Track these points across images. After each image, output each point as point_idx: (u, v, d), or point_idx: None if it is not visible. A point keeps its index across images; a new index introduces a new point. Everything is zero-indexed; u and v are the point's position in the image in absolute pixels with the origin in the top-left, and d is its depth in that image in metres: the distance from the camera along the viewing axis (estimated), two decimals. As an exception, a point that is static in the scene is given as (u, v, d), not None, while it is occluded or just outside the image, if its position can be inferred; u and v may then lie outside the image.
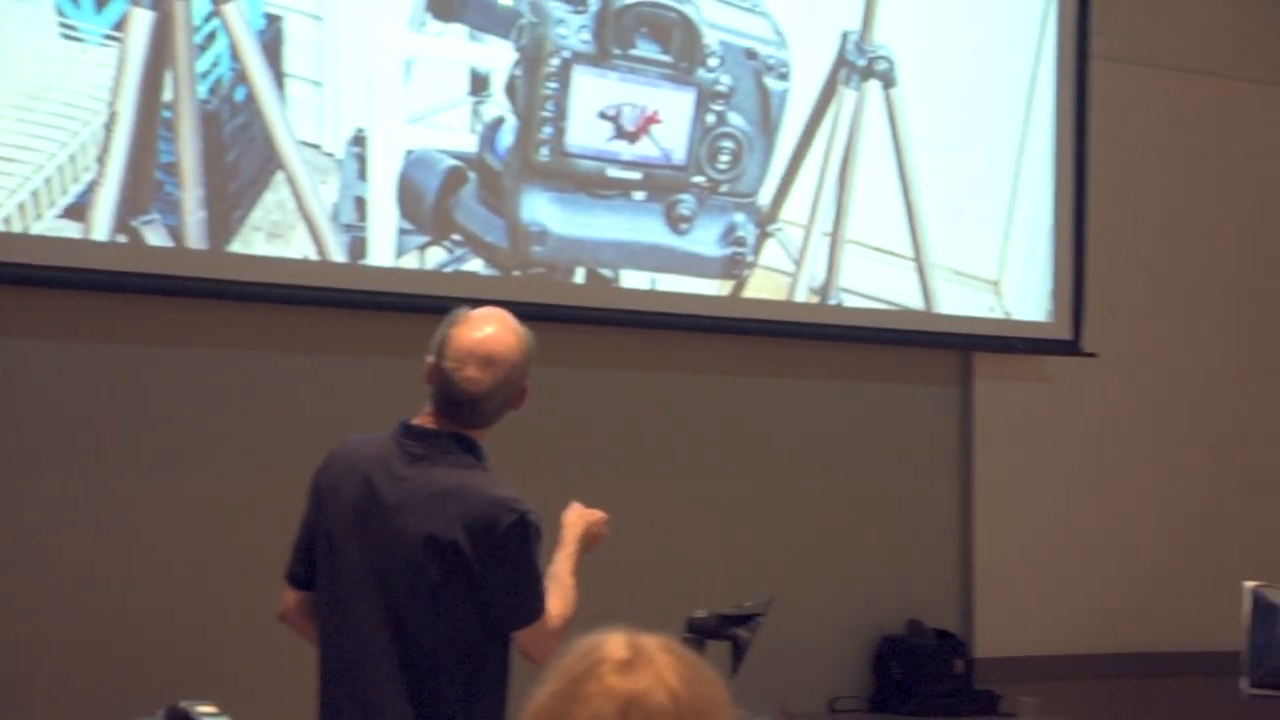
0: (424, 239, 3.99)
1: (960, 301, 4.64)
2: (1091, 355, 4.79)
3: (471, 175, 4.03)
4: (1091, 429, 4.93)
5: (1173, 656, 4.95)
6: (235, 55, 3.78)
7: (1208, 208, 5.18)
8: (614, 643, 1.21)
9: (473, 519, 2.60)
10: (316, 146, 3.87)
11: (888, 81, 4.54)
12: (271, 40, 3.83)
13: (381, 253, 3.95)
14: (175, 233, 3.71)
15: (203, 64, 3.75)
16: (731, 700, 1.23)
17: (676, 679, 1.20)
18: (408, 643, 2.59)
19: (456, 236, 4.02)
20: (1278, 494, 5.20)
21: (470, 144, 4.03)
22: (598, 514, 2.90)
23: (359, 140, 3.92)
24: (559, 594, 2.72)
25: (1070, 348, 4.78)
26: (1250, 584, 3.29)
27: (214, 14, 3.75)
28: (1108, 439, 4.96)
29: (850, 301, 4.50)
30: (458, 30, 4.03)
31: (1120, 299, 4.98)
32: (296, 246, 3.85)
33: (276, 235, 3.84)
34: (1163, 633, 4.97)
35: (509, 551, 2.61)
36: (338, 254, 3.90)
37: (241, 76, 3.79)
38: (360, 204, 3.92)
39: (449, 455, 2.67)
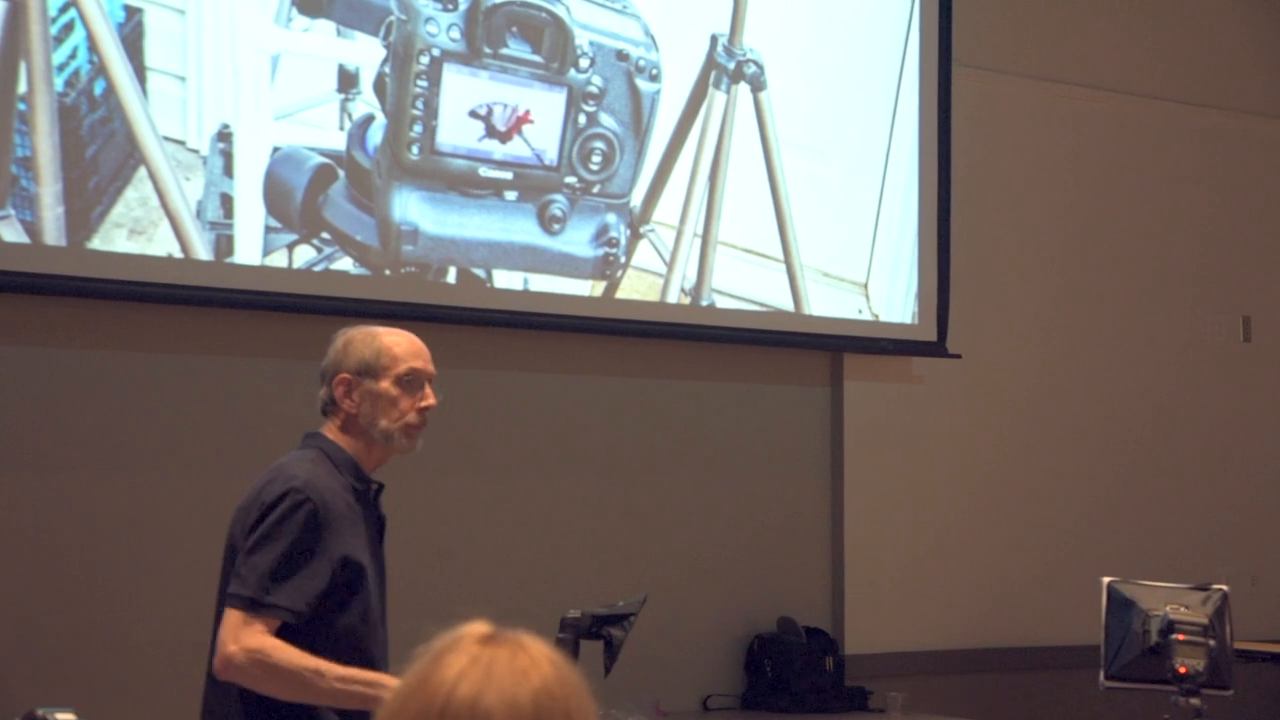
0: (292, 237, 3.81)
1: (829, 303, 4.58)
2: (956, 356, 4.77)
3: (341, 173, 3.86)
4: (957, 429, 4.91)
5: (1035, 651, 4.94)
6: (93, 48, 3.58)
7: (1068, 213, 5.19)
8: (476, 624, 1.20)
9: None
10: (180, 142, 3.68)
11: (757, 85, 4.46)
12: (132, 33, 3.63)
13: (248, 251, 3.76)
14: (31, 229, 3.50)
15: (59, 56, 3.54)
16: (593, 696, 1.19)
17: (542, 654, 1.19)
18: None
19: (326, 235, 3.85)
20: (1135, 491, 5.22)
21: (339, 141, 3.86)
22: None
23: (224, 136, 3.73)
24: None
25: (935, 349, 4.75)
26: (1107, 580, 3.28)
27: (70, 4, 3.54)
28: (972, 438, 4.94)
29: (722, 303, 4.41)
30: (325, 26, 3.86)
31: (983, 302, 4.96)
32: (160, 244, 3.66)
33: (139, 232, 3.64)
34: (1025, 628, 4.95)
35: None
36: (202, 252, 3.70)
37: (100, 69, 3.59)
38: (226, 201, 3.73)
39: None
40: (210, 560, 3.70)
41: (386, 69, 3.90)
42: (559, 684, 1.17)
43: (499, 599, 3.86)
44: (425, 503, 4.03)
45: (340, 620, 2.40)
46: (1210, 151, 5.46)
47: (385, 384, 2.50)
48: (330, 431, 2.54)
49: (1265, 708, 4.80)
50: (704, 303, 4.38)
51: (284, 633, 2.34)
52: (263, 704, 2.37)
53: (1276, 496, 5.52)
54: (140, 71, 3.63)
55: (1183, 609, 3.07)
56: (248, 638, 2.33)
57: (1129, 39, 5.32)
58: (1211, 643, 2.99)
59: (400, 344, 2.55)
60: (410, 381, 2.52)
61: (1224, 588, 3.22)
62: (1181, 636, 2.97)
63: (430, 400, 2.53)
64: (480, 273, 4.05)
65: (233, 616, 2.35)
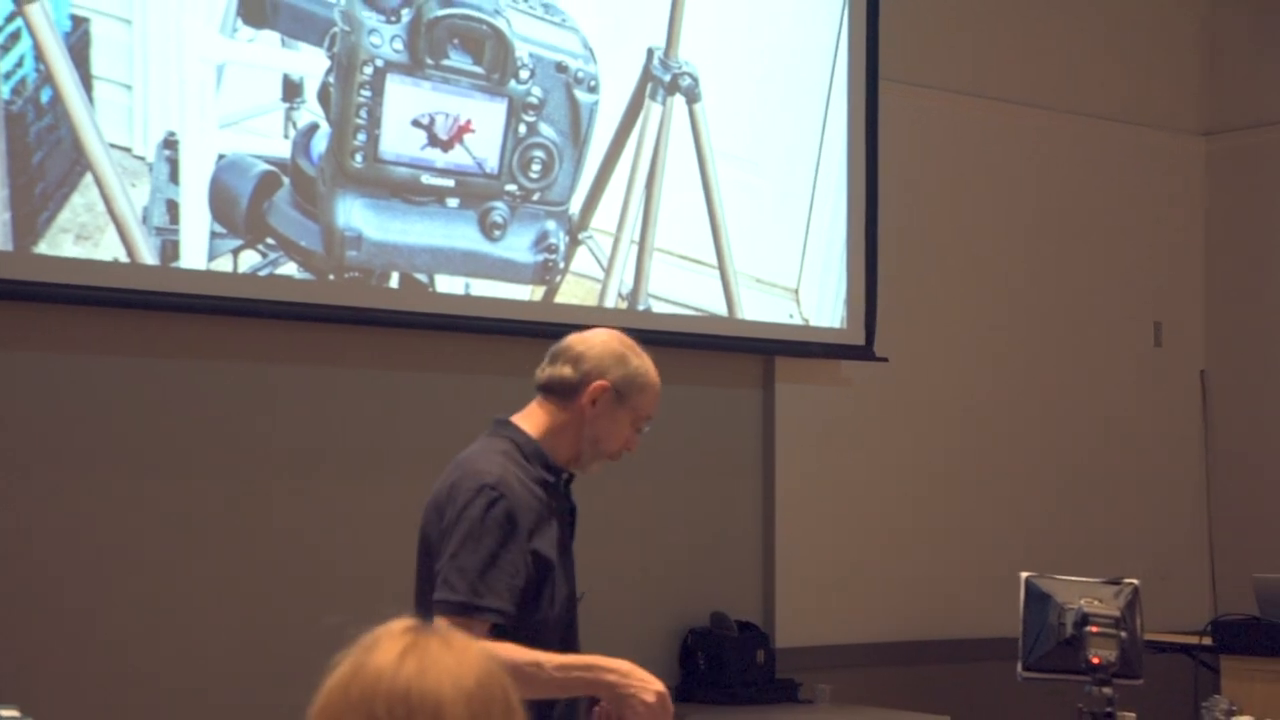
0: (237, 242, 3.81)
1: (762, 308, 4.64)
2: (882, 360, 4.84)
3: (285, 180, 3.86)
4: (883, 429, 4.98)
5: (956, 643, 5.02)
6: (40, 56, 3.56)
7: (989, 222, 5.29)
8: (399, 620, 1.21)
9: None
10: (126, 149, 3.67)
11: (692, 97, 4.51)
12: (79, 42, 3.62)
13: (193, 256, 3.76)
14: (-23, 234, 3.48)
15: (6, 64, 3.52)
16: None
17: (469, 642, 1.20)
18: None
19: (270, 241, 3.86)
20: (1052, 490, 5.33)
21: (284, 149, 3.87)
22: (650, 684, 2.30)
23: (170, 143, 3.72)
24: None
25: (863, 353, 4.82)
26: (1025, 575, 3.35)
27: (16, 14, 3.52)
28: (898, 439, 5.01)
29: (658, 307, 4.46)
30: (270, 37, 3.86)
31: (909, 307, 5.04)
32: (106, 249, 3.65)
33: (85, 237, 3.63)
34: (947, 622, 5.04)
35: None
36: (148, 256, 3.70)
37: (47, 78, 3.57)
38: (172, 207, 3.73)
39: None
40: (151, 559, 3.71)
41: (330, 79, 3.91)
42: (494, 666, 1.19)
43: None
44: (368, 505, 4.05)
45: (537, 614, 2.36)
46: (1124, 165, 5.58)
47: (626, 413, 2.45)
48: (527, 419, 2.46)
49: (1172, 696, 4.92)
50: (641, 307, 4.43)
51: (492, 632, 2.30)
52: None
53: (1185, 495, 5.65)
54: (87, 80, 3.63)
55: (1096, 602, 3.12)
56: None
57: (1047, 56, 5.43)
58: (1123, 634, 3.04)
59: (655, 385, 2.50)
60: (641, 421, 2.48)
61: (1135, 582, 3.28)
62: (1095, 629, 3.02)
63: (635, 446, 2.49)
64: (422, 278, 4.07)
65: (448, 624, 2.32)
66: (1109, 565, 4.09)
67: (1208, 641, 4.57)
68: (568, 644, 2.41)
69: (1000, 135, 5.29)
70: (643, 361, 2.49)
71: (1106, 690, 2.92)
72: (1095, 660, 2.95)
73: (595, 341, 2.48)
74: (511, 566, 2.32)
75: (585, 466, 2.48)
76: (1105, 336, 5.50)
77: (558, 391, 2.44)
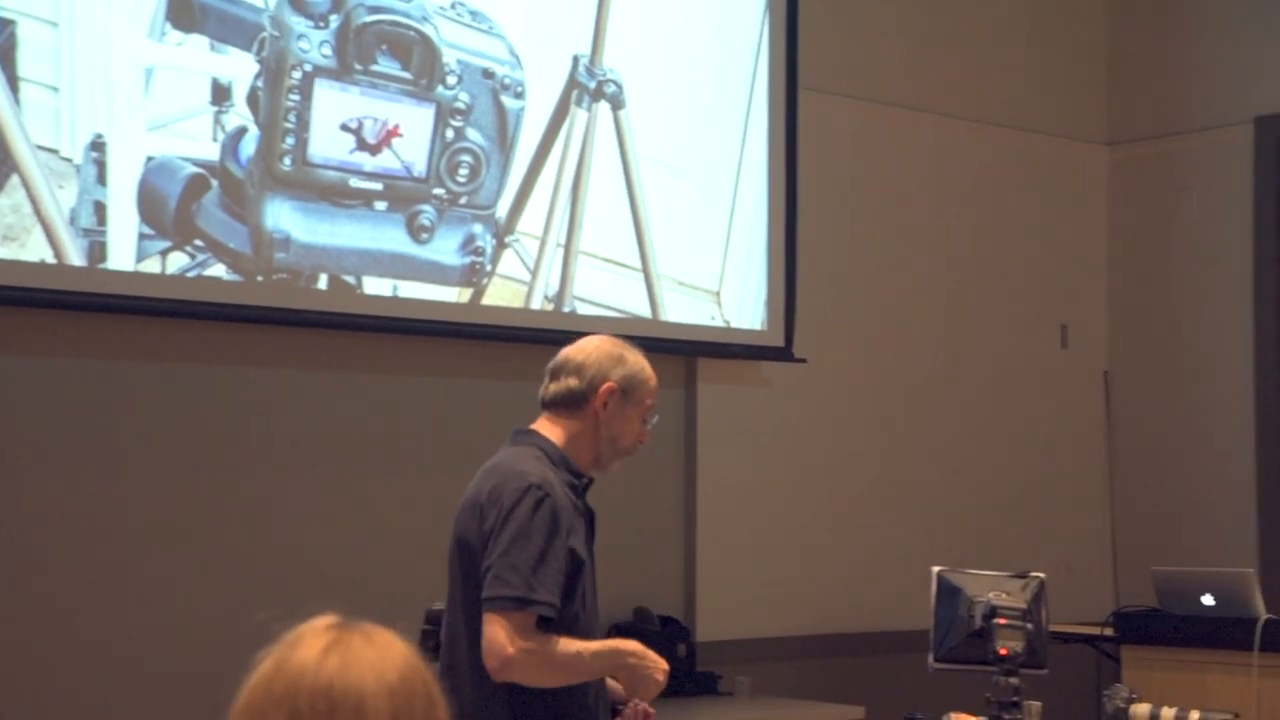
0: (166, 244, 3.79)
1: (684, 310, 4.69)
2: (801, 361, 4.91)
3: (214, 183, 3.85)
4: (801, 429, 5.05)
5: (871, 636, 5.09)
6: (-34, 57, 3.53)
7: (904, 227, 5.37)
8: (324, 616, 1.21)
9: None
10: (54, 151, 3.64)
11: (616, 104, 4.55)
12: (5, 44, 3.58)
13: (121, 257, 3.73)
14: (-98, 234, 3.43)
15: (-69, 64, 3.48)
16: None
17: (392, 638, 1.20)
18: None
19: (199, 242, 3.84)
20: (963, 487, 5.43)
21: (212, 152, 3.85)
22: (660, 664, 2.52)
23: (98, 146, 3.70)
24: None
25: (783, 354, 4.88)
26: (937, 569, 3.40)
27: (-57, 14, 3.49)
28: (815, 438, 5.08)
29: (583, 309, 4.49)
30: (199, 41, 3.85)
31: (827, 310, 5.11)
32: (33, 250, 3.61)
33: (11, 239, 3.59)
34: (862, 615, 5.12)
35: None
36: (76, 258, 3.67)
37: (-27, 79, 3.54)
38: (99, 209, 3.70)
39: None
40: (80, 565, 3.68)
41: (259, 83, 3.90)
42: (416, 661, 1.18)
43: (365, 592, 3.89)
44: (295, 503, 4.04)
45: (571, 609, 2.47)
46: (1032, 173, 5.71)
47: (633, 409, 2.59)
48: (547, 427, 2.59)
49: (1076, 685, 5.04)
50: (566, 309, 4.46)
51: (540, 624, 2.42)
52: (530, 704, 2.42)
53: (1089, 492, 5.78)
54: (13, 81, 3.59)
55: (1004, 595, 3.16)
56: (522, 638, 2.38)
57: (959, 68, 5.53)
58: (1029, 626, 3.07)
59: (653, 377, 2.64)
60: (648, 413, 2.62)
61: (1041, 575, 3.32)
62: (1003, 621, 3.05)
63: (647, 438, 2.63)
64: (351, 279, 4.07)
65: (502, 619, 2.38)
66: (1016, 560, 4.17)
67: (1109, 632, 4.68)
68: (593, 637, 2.55)
69: (914, 143, 5.39)
70: (636, 357, 2.63)
71: (1014, 680, 2.96)
72: (1003, 651, 2.98)
73: (590, 349, 2.62)
74: (557, 563, 2.44)
75: (606, 467, 2.61)
76: (1014, 338, 5.62)
77: (567, 404, 2.58)
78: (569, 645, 2.42)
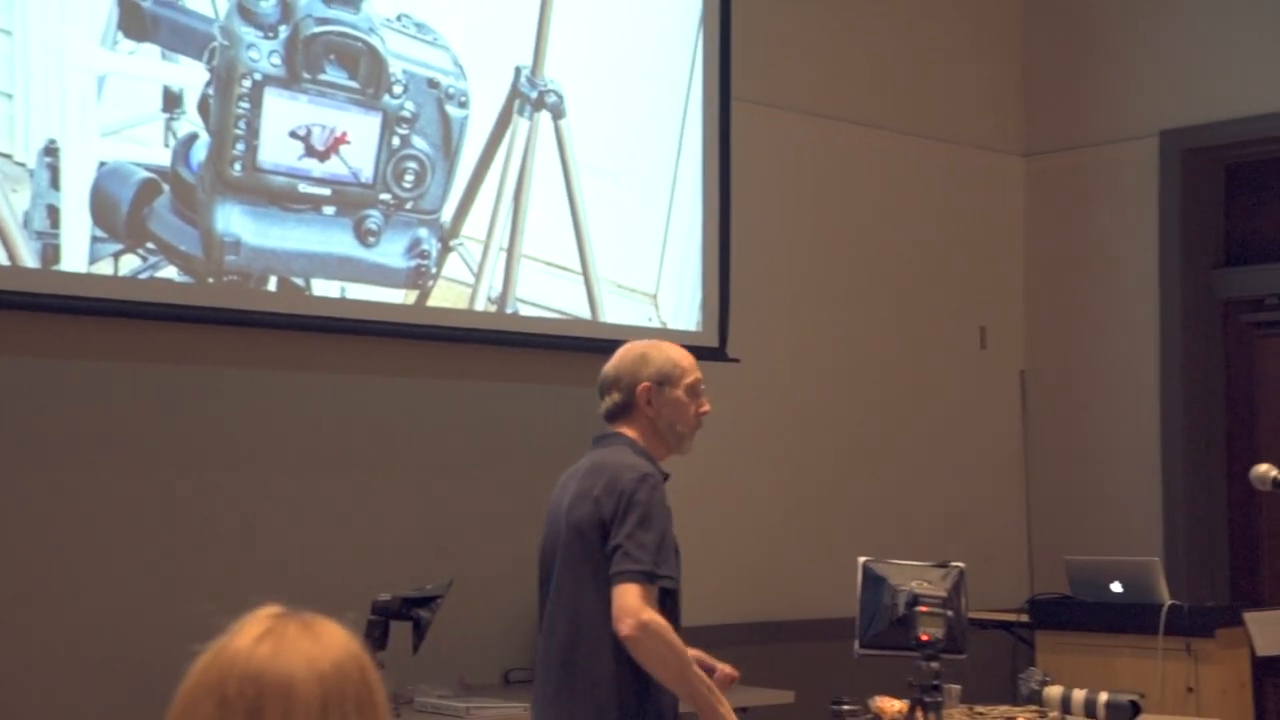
0: (118, 247, 3.84)
1: (622, 312, 4.79)
2: (735, 361, 5.02)
3: (165, 187, 3.90)
4: (735, 426, 5.15)
5: (800, 624, 5.21)
6: (-78, 63, 3.55)
7: (832, 232, 5.51)
8: (266, 608, 1.22)
9: None
10: (8, 156, 3.67)
11: (557, 113, 4.65)
12: (-39, 50, 3.61)
13: (74, 259, 3.77)
14: None
15: (-113, 70, 3.50)
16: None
17: (332, 627, 1.21)
18: None
19: (151, 245, 3.89)
20: (888, 481, 5.57)
21: (164, 158, 3.90)
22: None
23: (51, 151, 3.74)
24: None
25: (717, 354, 4.98)
26: (863, 559, 3.52)
27: (-101, 21, 3.51)
28: (749, 434, 5.19)
29: (525, 311, 4.58)
30: (150, 50, 3.89)
31: (760, 312, 5.24)
32: (-14, 252, 3.65)
33: (-35, 241, 3.62)
34: (792, 604, 5.25)
35: None
36: (29, 259, 3.71)
37: (-72, 84, 3.56)
38: (53, 212, 3.74)
39: None
40: (39, 559, 3.70)
41: (210, 91, 3.96)
42: (354, 650, 1.18)
43: (316, 584, 3.97)
44: (246, 502, 4.10)
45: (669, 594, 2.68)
46: (952, 182, 5.88)
47: (679, 392, 2.81)
48: (623, 430, 2.80)
49: (993, 669, 5.21)
50: (509, 311, 4.55)
51: (663, 595, 2.63)
52: (629, 684, 2.60)
53: (1007, 486, 5.96)
54: (-32, 87, 3.62)
55: (926, 584, 3.27)
56: (650, 611, 2.56)
57: (883, 81, 5.68)
58: (950, 613, 3.15)
59: (685, 357, 2.86)
60: (694, 389, 2.82)
61: (961, 565, 3.43)
62: (924, 608, 3.13)
63: (708, 407, 2.86)
64: (300, 282, 4.14)
65: (635, 590, 2.57)
66: (938, 550, 4.30)
67: (1025, 618, 4.85)
68: (676, 617, 2.72)
69: (841, 152, 5.53)
70: (660, 349, 2.86)
71: (934, 665, 3.03)
72: (924, 637, 3.06)
73: (618, 361, 2.86)
74: (673, 543, 2.68)
75: (681, 446, 2.84)
76: (935, 339, 5.78)
77: (622, 413, 2.83)
78: (685, 649, 2.64)
